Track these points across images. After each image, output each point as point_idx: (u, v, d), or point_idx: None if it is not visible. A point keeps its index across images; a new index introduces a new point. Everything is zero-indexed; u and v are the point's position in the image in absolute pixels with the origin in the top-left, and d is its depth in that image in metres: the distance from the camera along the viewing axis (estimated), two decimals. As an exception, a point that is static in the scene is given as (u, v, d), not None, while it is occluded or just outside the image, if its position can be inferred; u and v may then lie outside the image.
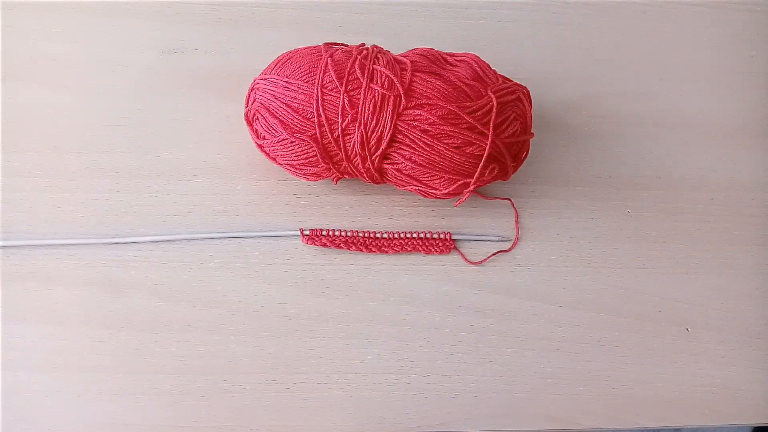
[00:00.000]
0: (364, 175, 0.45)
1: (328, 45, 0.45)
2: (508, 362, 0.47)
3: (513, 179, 0.48)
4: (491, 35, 0.54)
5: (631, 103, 0.53)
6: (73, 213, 0.48)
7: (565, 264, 0.49)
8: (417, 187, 0.45)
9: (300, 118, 0.43)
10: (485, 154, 0.43)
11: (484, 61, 0.45)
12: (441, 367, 0.47)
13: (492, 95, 0.43)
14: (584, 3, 0.56)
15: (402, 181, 0.45)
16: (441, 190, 0.44)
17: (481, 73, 0.44)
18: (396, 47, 0.47)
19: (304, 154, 0.44)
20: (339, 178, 0.46)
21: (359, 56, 0.44)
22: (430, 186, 0.44)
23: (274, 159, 0.46)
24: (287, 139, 0.44)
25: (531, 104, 0.46)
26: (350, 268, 0.48)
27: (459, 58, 0.45)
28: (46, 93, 0.50)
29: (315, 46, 0.45)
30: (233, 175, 0.49)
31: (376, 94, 0.42)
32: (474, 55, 0.45)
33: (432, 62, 0.44)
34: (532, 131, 0.46)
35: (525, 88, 0.46)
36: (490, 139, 0.42)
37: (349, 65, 0.43)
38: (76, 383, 0.45)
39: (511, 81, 0.46)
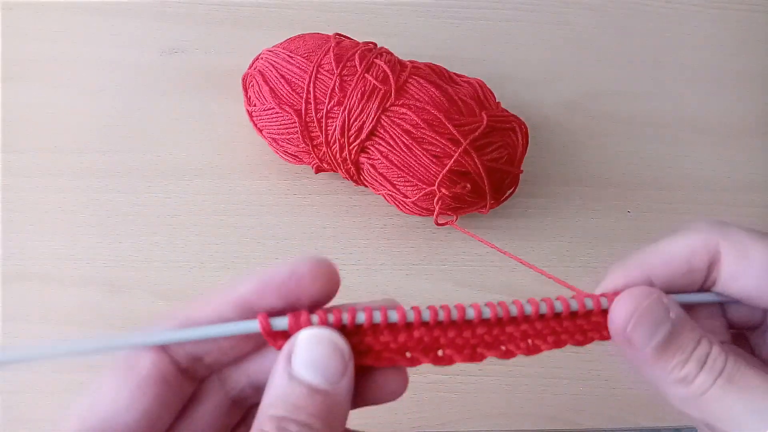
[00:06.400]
0: (341, 167, 0.44)
1: (339, 35, 0.46)
2: (508, 362, 0.47)
3: (513, 179, 0.48)
4: (491, 35, 0.54)
5: (630, 103, 0.53)
6: (73, 213, 0.48)
7: (565, 264, 0.49)
8: (389, 192, 0.44)
9: (290, 90, 0.43)
10: (455, 157, 0.41)
11: (489, 89, 0.45)
12: (441, 367, 0.47)
13: (485, 116, 0.43)
14: (584, 3, 0.56)
15: (376, 181, 0.44)
16: (410, 198, 0.44)
17: (482, 97, 0.44)
18: (396, 46, 0.47)
19: (285, 128, 0.44)
20: (319, 168, 0.46)
21: (364, 48, 0.44)
22: (402, 192, 0.44)
23: (260, 131, 0.46)
24: (273, 108, 0.44)
25: (526, 142, 0.45)
26: (351, 268, 0.48)
27: (465, 80, 0.45)
28: (46, 93, 0.50)
29: (327, 34, 0.45)
30: (233, 175, 0.49)
31: (368, 84, 0.42)
32: (481, 80, 0.45)
33: (437, 75, 0.45)
34: (521, 168, 0.45)
35: (524, 124, 0.45)
36: (463, 146, 0.41)
37: (351, 53, 0.43)
38: (76, 383, 0.45)
39: (512, 114, 0.45)
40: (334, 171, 0.46)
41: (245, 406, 0.27)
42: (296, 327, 0.24)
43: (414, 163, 0.42)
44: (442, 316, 0.26)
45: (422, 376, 0.47)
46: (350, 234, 0.49)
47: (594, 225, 0.50)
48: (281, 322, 0.24)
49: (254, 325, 0.23)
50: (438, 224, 0.44)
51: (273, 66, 0.44)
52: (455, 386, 0.47)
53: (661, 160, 0.52)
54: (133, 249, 0.47)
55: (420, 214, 0.45)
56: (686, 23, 0.56)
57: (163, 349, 0.24)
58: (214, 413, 0.25)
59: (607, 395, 0.47)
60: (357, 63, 0.43)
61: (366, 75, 0.42)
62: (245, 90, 0.46)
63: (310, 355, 0.23)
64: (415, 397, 0.46)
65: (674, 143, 0.53)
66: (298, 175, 0.50)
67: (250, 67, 0.46)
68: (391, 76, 0.42)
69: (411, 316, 0.26)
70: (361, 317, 0.25)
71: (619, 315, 0.26)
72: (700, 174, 0.52)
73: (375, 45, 0.45)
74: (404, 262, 0.49)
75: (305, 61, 0.44)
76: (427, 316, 0.26)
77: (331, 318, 0.24)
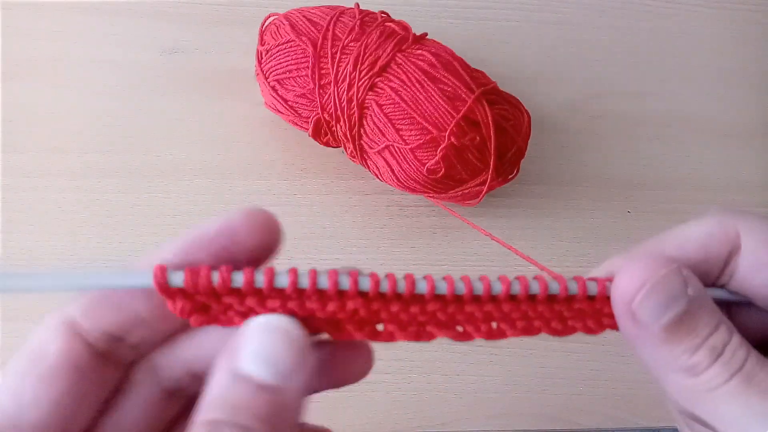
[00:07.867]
0: (344, 113, 0.44)
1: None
2: (508, 362, 0.47)
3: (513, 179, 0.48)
4: (491, 35, 0.54)
5: (631, 103, 0.53)
6: (73, 213, 0.48)
7: (565, 264, 0.49)
8: (387, 144, 0.43)
9: (309, 26, 0.45)
10: (469, 103, 0.42)
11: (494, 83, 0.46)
12: (441, 367, 0.47)
13: (495, 82, 0.44)
14: (584, 3, 0.56)
15: (377, 128, 0.43)
16: (410, 145, 0.42)
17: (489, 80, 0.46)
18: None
19: (296, 64, 0.45)
20: (316, 127, 0.45)
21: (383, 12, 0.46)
22: (403, 139, 0.43)
23: (266, 77, 0.46)
24: (291, 41, 0.45)
25: (529, 129, 0.46)
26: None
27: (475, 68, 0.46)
28: (46, 93, 0.50)
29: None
30: (233, 175, 0.49)
31: (387, 29, 0.44)
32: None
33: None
34: (524, 152, 0.46)
35: (528, 113, 0.46)
36: (477, 93, 0.42)
37: (372, 11, 0.45)
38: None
39: (520, 102, 0.46)
40: (332, 129, 0.45)
41: (184, 396, 0.23)
42: (193, 284, 0.20)
43: (424, 100, 0.42)
44: (385, 287, 0.21)
45: (422, 376, 0.47)
46: (350, 234, 0.49)
47: (594, 225, 0.50)
48: (179, 278, 0.20)
49: (147, 279, 0.20)
50: (431, 186, 0.44)
51: (300, 12, 0.46)
52: (455, 386, 0.47)
53: (661, 160, 0.52)
54: (133, 249, 0.47)
55: (416, 181, 0.44)
56: (686, 23, 0.56)
57: (76, 332, 0.21)
58: (145, 404, 0.22)
59: (607, 395, 0.47)
60: (378, 16, 0.45)
61: (386, 23, 0.44)
62: (261, 34, 0.47)
63: (259, 347, 0.19)
64: (415, 397, 0.46)
65: (674, 143, 0.53)
66: (298, 175, 0.50)
67: (276, 16, 0.48)
68: (410, 29, 0.45)
69: (345, 283, 0.21)
70: (283, 280, 0.21)
71: (626, 284, 0.21)
72: (700, 174, 0.52)
73: None
74: (404, 262, 0.49)
75: (329, 10, 0.46)
76: (366, 284, 0.21)
77: (240, 277, 0.20)
